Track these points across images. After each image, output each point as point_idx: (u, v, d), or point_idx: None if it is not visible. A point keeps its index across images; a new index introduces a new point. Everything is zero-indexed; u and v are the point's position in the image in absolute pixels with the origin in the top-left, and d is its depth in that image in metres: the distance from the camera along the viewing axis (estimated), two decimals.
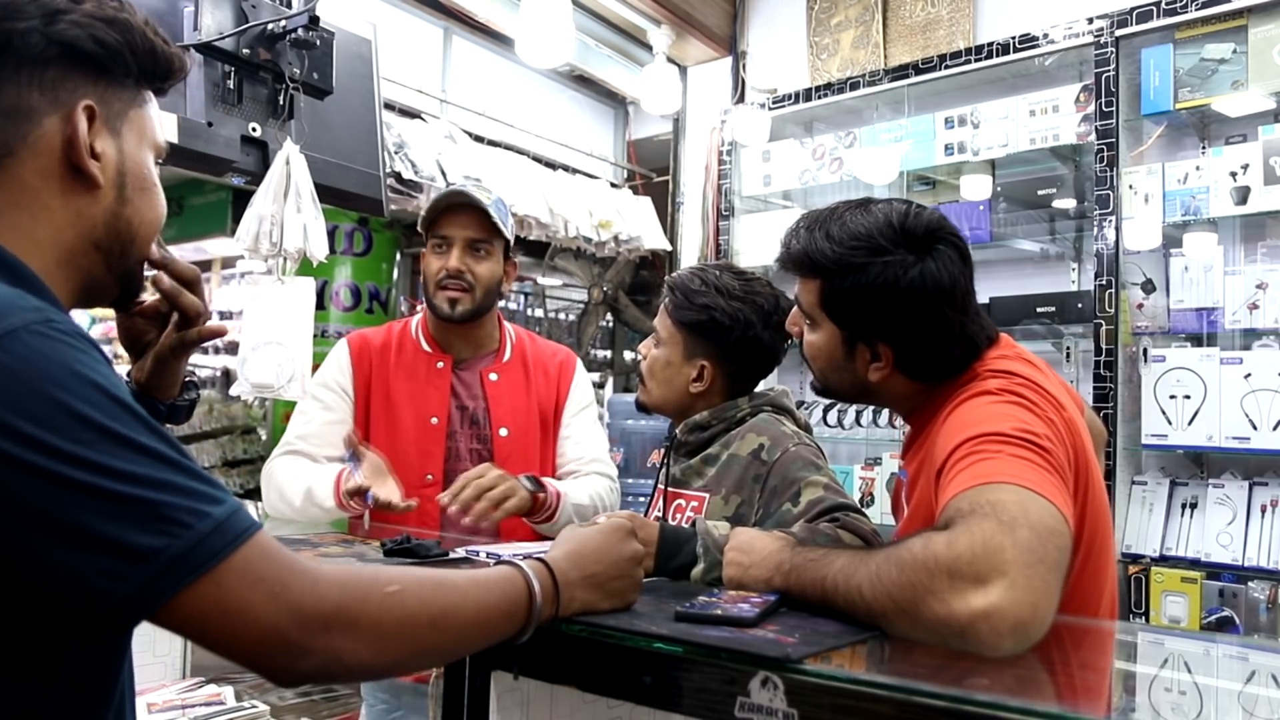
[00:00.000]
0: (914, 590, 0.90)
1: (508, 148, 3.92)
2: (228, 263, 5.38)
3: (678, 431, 1.63)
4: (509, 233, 1.90)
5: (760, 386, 1.68)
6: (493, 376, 1.92)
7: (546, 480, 1.74)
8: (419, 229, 1.92)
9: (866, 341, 1.25)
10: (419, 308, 2.02)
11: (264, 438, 4.87)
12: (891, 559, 0.94)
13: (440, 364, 1.91)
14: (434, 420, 1.87)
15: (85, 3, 0.82)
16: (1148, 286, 2.96)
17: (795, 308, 1.34)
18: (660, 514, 1.60)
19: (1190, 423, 2.79)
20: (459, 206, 1.85)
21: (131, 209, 0.88)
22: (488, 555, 1.42)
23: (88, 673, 0.80)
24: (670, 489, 1.61)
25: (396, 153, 3.27)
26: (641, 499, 1.80)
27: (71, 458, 0.68)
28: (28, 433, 0.67)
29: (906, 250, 1.20)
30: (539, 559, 0.95)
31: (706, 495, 1.53)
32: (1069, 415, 1.17)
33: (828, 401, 3.71)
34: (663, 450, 1.70)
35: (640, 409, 1.71)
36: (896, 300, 1.20)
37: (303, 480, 1.75)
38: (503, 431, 1.88)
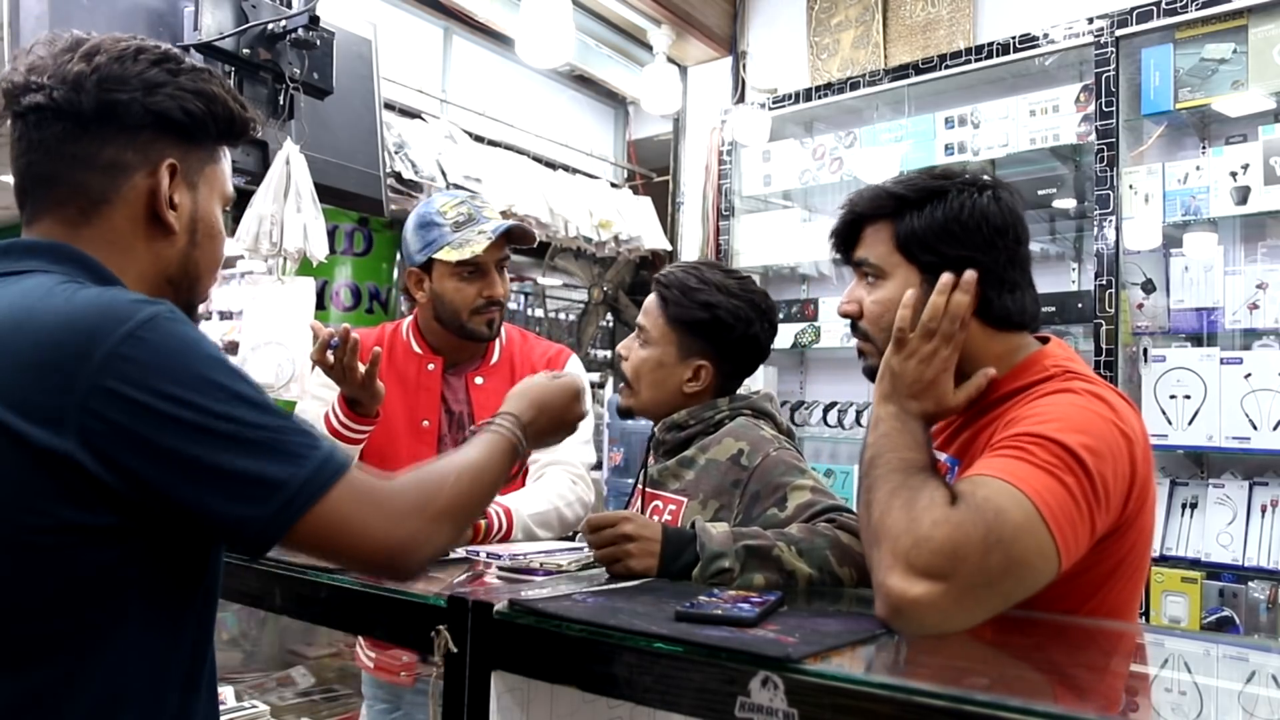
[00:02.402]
0: (893, 528, 1.01)
1: (508, 148, 3.91)
2: (228, 262, 5.36)
3: (656, 430, 1.61)
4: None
5: (754, 389, 1.67)
6: (478, 380, 1.90)
7: (496, 502, 1.66)
8: (430, 255, 1.83)
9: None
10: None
11: None
12: (908, 493, 1.03)
13: (431, 366, 1.89)
14: (425, 423, 1.86)
15: (180, 76, 0.97)
16: (1148, 286, 2.96)
17: (850, 286, 1.33)
18: (638, 514, 1.59)
19: (1190, 423, 2.79)
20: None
21: (200, 252, 1.04)
22: (488, 555, 1.42)
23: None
24: (648, 490, 1.59)
25: (396, 153, 3.27)
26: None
27: (212, 413, 0.86)
28: (179, 395, 0.85)
29: (973, 183, 1.26)
30: (503, 414, 1.17)
31: (684, 499, 1.51)
32: (1144, 426, 1.17)
33: (828, 401, 3.71)
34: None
35: (624, 415, 1.66)
36: (978, 222, 1.22)
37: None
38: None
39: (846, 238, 1.32)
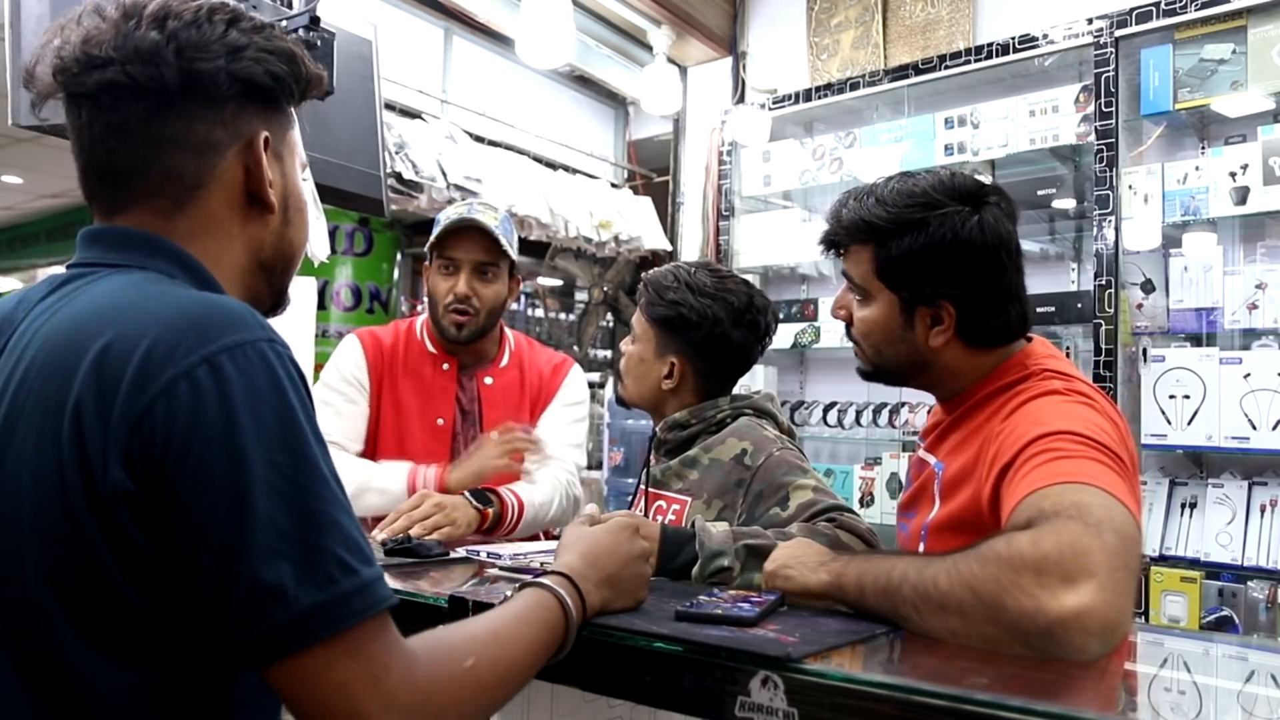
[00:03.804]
0: (998, 584, 0.87)
1: (508, 148, 3.92)
2: None
3: (657, 430, 1.63)
4: (514, 253, 1.92)
5: (754, 388, 1.68)
6: (488, 380, 1.95)
7: (509, 489, 1.73)
8: (427, 247, 1.95)
9: (929, 303, 1.23)
10: (420, 308, 2.04)
11: None
12: (970, 556, 0.91)
13: (446, 366, 1.94)
14: (440, 421, 1.90)
15: (257, 36, 0.86)
16: (1147, 286, 2.96)
17: (841, 290, 1.33)
18: (641, 514, 1.60)
19: (1190, 423, 2.79)
20: (467, 229, 1.87)
21: (292, 229, 0.94)
22: (488, 555, 1.42)
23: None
24: (650, 490, 1.60)
25: (397, 153, 3.27)
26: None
27: (260, 480, 0.70)
28: (235, 447, 0.70)
29: (960, 203, 1.21)
30: (559, 572, 0.94)
31: (688, 499, 1.52)
32: (1125, 422, 1.17)
33: (828, 401, 3.71)
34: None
35: (620, 404, 1.74)
36: (958, 253, 1.19)
37: (358, 474, 1.77)
38: (494, 435, 1.90)
39: (834, 246, 1.33)
